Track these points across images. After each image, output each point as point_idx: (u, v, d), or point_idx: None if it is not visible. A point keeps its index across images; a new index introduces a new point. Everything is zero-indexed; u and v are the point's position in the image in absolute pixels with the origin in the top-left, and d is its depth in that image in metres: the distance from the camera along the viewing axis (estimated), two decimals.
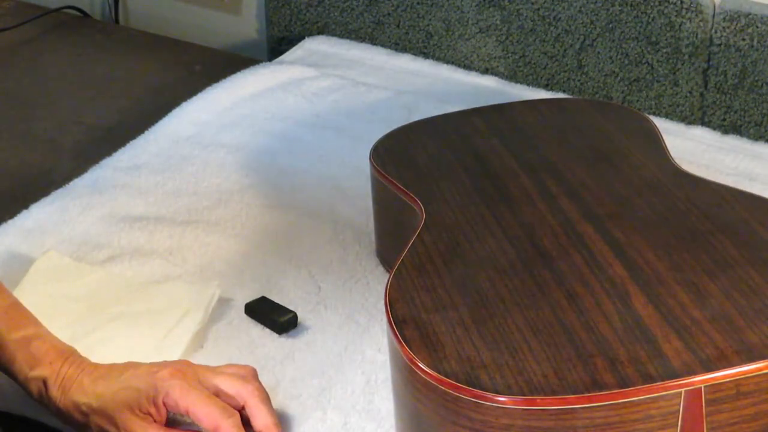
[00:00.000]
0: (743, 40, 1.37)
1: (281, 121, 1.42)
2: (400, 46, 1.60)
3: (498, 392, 0.83)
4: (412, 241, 1.00)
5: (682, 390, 0.83)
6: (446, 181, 1.10)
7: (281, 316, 1.08)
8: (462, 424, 0.84)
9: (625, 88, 1.47)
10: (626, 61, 1.46)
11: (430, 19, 1.57)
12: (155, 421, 0.94)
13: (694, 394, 0.83)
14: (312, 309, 1.11)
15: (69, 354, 0.98)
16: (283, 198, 1.28)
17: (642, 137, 1.17)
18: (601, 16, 1.45)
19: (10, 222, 1.23)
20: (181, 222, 1.23)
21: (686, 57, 1.42)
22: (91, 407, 0.94)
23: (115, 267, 1.16)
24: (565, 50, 1.49)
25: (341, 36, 1.63)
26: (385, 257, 1.16)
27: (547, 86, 1.52)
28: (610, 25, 1.45)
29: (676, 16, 1.41)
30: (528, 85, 1.53)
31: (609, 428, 0.82)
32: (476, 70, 1.56)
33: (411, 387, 0.87)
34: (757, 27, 1.36)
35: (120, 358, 0.99)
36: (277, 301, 1.11)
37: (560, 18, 1.48)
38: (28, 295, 1.07)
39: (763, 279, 0.92)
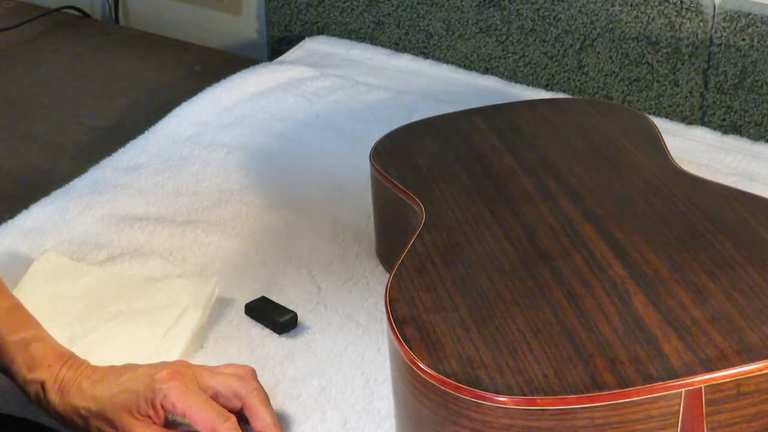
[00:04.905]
0: (743, 40, 1.37)
1: (281, 121, 1.42)
2: (400, 46, 1.60)
3: (498, 392, 0.83)
4: (412, 241, 1.00)
5: (683, 390, 0.82)
6: (446, 181, 1.10)
7: (281, 316, 1.08)
8: (462, 424, 0.84)
9: (625, 88, 1.47)
10: (626, 61, 1.45)
11: (430, 19, 1.57)
12: (154, 423, 0.94)
13: (695, 394, 0.83)
14: (312, 309, 1.11)
15: (68, 357, 0.97)
16: (283, 198, 1.28)
17: (642, 137, 1.17)
18: (601, 16, 1.45)
19: (10, 222, 1.23)
20: (181, 222, 1.23)
21: (686, 57, 1.42)
22: (90, 411, 0.94)
23: (115, 267, 1.16)
24: (565, 50, 1.49)
25: (341, 36, 1.63)
26: (385, 257, 1.16)
27: (547, 86, 1.52)
28: (610, 25, 1.45)
29: (676, 16, 1.41)
30: (528, 85, 1.52)
31: (609, 428, 0.82)
32: (476, 70, 1.55)
33: (411, 387, 0.87)
34: (757, 27, 1.36)
35: (119, 358, 0.99)
36: (277, 301, 1.11)
37: (560, 18, 1.48)
38: (27, 295, 1.07)
39: (763, 279, 0.92)
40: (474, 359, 0.85)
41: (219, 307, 1.10)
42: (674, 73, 1.43)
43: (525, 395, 0.82)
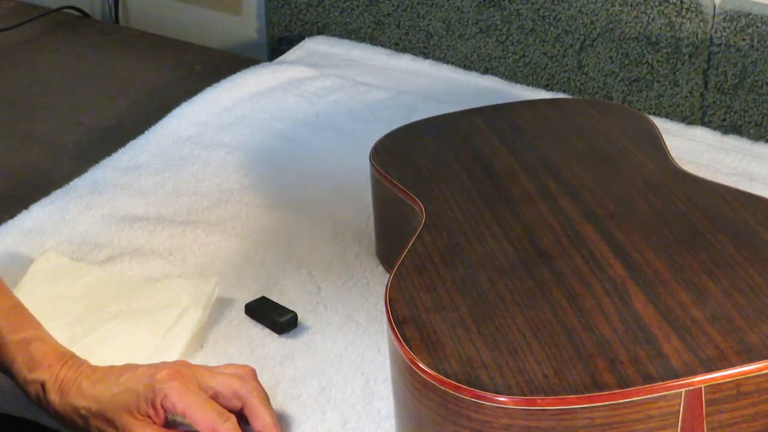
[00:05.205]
0: (743, 40, 1.37)
1: (281, 121, 1.42)
2: (400, 46, 1.60)
3: (498, 392, 0.83)
4: (412, 241, 1.00)
5: (683, 390, 0.82)
6: (446, 181, 1.10)
7: (281, 316, 1.08)
8: (462, 424, 0.84)
9: (625, 88, 1.47)
10: (626, 61, 1.45)
11: (430, 19, 1.57)
12: (154, 423, 0.94)
13: (695, 394, 0.83)
14: (312, 309, 1.11)
15: (68, 357, 0.97)
16: (283, 198, 1.28)
17: (642, 137, 1.17)
18: (601, 16, 1.45)
19: (10, 222, 1.23)
20: (181, 222, 1.23)
21: (686, 57, 1.42)
22: (90, 411, 0.94)
23: (115, 267, 1.16)
24: (565, 50, 1.49)
25: (341, 36, 1.63)
26: (385, 257, 1.16)
27: (547, 86, 1.52)
28: (610, 25, 1.45)
29: (676, 16, 1.41)
30: (528, 85, 1.52)
31: (609, 428, 0.82)
32: (476, 70, 1.55)
33: (411, 387, 0.87)
34: (757, 27, 1.36)
35: (119, 358, 0.99)
36: (277, 301, 1.11)
37: (560, 18, 1.48)
38: (27, 295, 1.07)
39: (763, 279, 0.92)
40: (474, 359, 0.85)
41: (219, 307, 1.10)
42: (674, 73, 1.43)
43: (525, 395, 0.82)
